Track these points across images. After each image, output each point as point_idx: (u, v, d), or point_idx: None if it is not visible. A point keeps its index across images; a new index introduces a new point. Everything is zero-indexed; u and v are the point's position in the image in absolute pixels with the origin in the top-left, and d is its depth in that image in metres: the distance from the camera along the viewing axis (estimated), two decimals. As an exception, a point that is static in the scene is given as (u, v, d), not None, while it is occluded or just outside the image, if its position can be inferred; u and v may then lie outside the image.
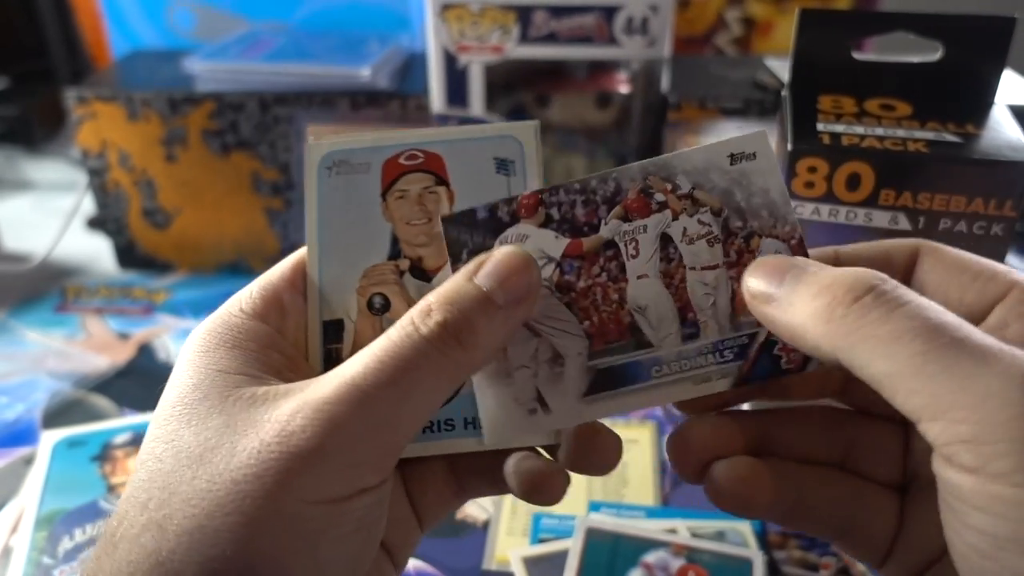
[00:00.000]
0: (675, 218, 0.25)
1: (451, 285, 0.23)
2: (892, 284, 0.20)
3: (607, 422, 0.26)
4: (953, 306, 0.21)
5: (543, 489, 0.25)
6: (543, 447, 0.26)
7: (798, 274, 0.22)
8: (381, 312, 0.27)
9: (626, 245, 0.25)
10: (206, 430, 0.22)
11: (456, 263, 0.25)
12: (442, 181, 0.27)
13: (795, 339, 0.22)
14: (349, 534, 0.22)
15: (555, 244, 0.25)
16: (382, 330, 0.26)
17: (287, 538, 0.21)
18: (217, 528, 0.20)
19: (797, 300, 0.22)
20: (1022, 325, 0.22)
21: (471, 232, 0.25)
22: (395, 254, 0.27)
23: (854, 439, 0.27)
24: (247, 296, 0.26)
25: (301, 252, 0.27)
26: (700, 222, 0.25)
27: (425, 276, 0.27)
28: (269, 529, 0.20)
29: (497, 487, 0.27)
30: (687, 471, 0.26)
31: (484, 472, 0.27)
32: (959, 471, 0.18)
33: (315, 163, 0.27)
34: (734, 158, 0.25)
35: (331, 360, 0.26)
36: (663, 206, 0.25)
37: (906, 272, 0.24)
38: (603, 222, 0.25)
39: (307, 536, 0.21)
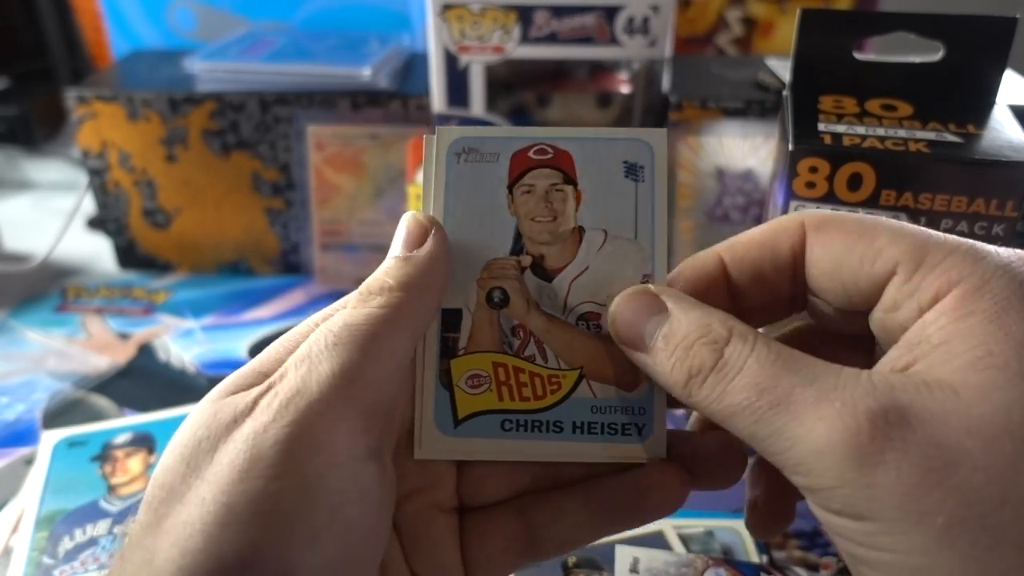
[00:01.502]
0: None
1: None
2: (729, 352, 0.21)
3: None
4: (850, 292, 0.23)
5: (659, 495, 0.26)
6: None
7: (656, 326, 0.23)
8: (499, 306, 0.26)
9: None
10: (199, 423, 0.22)
11: None
12: (570, 180, 0.27)
13: (671, 394, 0.24)
14: (324, 527, 0.21)
15: None
16: (499, 324, 0.26)
17: (259, 528, 0.20)
18: (195, 522, 0.20)
19: (659, 364, 0.23)
20: (912, 304, 0.21)
21: None
22: (518, 249, 0.27)
23: None
24: (330, 310, 0.26)
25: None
26: None
27: (546, 275, 0.26)
28: (240, 519, 0.20)
29: (578, 533, 0.26)
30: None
31: (567, 516, 0.26)
32: (814, 506, 0.20)
33: (444, 147, 0.27)
34: None
35: (447, 348, 0.26)
36: None
37: (797, 255, 0.24)
38: None
39: (280, 526, 0.20)
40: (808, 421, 0.19)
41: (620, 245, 0.26)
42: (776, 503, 0.27)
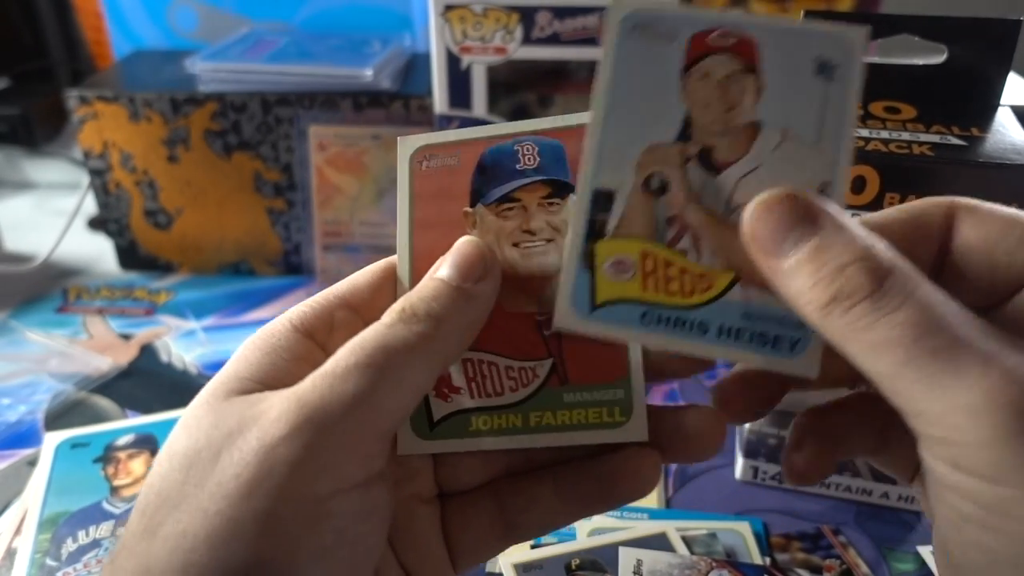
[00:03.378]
0: None
1: (416, 287, 0.24)
2: (890, 284, 0.20)
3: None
4: (1002, 270, 0.22)
5: (637, 476, 0.25)
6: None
7: (803, 237, 0.21)
8: (658, 194, 0.24)
9: None
10: (197, 431, 0.22)
11: None
12: (751, 69, 0.24)
13: (793, 307, 0.22)
14: (331, 548, 0.21)
15: None
16: (653, 212, 0.24)
17: (265, 545, 0.20)
18: (196, 533, 0.20)
19: (799, 278, 0.21)
20: None
21: None
22: (684, 138, 0.25)
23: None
24: (300, 308, 0.25)
25: (368, 270, 0.26)
26: None
27: (713, 168, 0.24)
28: (245, 534, 0.20)
29: (553, 519, 0.26)
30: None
31: (540, 502, 0.26)
32: (934, 458, 0.20)
33: (616, 19, 0.25)
34: None
35: (594, 232, 0.24)
36: None
37: (944, 235, 0.23)
38: None
39: (286, 544, 0.20)
40: (970, 376, 0.18)
41: (799, 148, 0.24)
42: (824, 455, 0.27)
